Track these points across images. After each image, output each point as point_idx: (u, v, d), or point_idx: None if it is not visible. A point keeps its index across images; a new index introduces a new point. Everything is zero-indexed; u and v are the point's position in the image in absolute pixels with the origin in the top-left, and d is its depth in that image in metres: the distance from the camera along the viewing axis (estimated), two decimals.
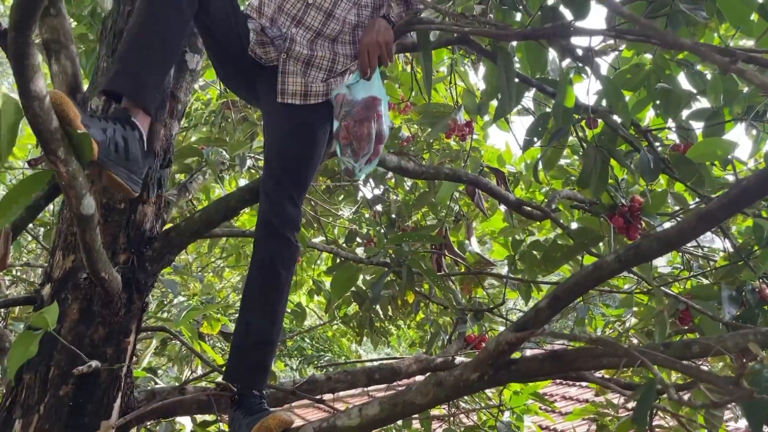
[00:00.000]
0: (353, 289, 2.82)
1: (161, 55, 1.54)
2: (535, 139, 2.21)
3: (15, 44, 1.03)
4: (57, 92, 1.25)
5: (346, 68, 1.91)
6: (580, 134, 2.19)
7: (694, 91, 2.16)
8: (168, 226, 2.05)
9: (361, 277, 3.06)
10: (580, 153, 2.50)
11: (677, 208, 2.52)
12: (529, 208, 2.56)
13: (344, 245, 4.80)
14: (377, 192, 4.38)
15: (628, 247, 1.33)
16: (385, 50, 1.83)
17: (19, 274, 4.32)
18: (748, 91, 2.00)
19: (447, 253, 2.54)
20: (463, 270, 2.70)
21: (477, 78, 3.26)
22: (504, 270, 2.75)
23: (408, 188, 4.34)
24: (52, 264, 1.88)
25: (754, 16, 1.88)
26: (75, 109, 1.29)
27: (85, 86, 2.05)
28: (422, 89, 3.69)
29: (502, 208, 3.54)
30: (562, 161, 3.09)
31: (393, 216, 4.51)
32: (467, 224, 2.59)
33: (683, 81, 2.26)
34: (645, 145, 2.33)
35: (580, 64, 1.95)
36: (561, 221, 2.61)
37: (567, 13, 1.72)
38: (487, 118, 3.02)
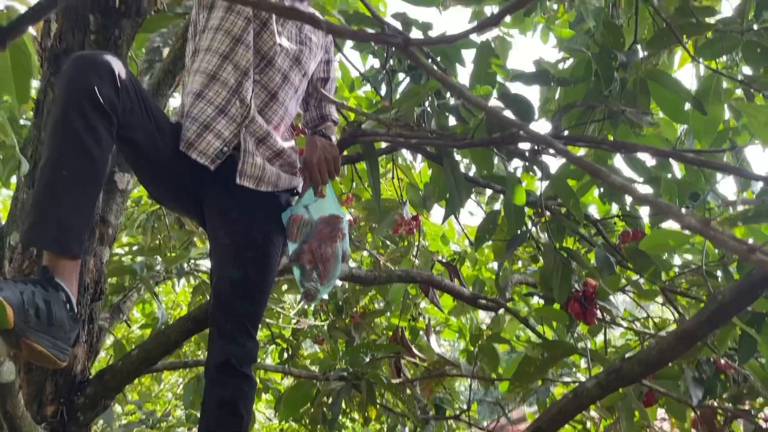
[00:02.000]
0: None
1: (84, 193, 1.34)
2: (487, 236, 2.18)
3: None
4: None
5: (291, 162, 1.79)
6: (532, 228, 2.16)
7: (638, 178, 2.20)
8: (102, 365, 1.85)
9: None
10: (532, 244, 2.48)
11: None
12: (484, 301, 2.50)
13: (291, 339, 4.60)
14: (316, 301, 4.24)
15: (608, 371, 1.26)
16: (333, 165, 1.76)
17: None
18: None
19: (405, 357, 2.44)
20: (422, 370, 2.59)
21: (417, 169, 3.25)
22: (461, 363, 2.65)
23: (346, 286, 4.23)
24: None
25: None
26: None
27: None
28: (363, 179, 3.67)
29: None
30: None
31: (340, 303, 4.37)
32: (426, 324, 2.50)
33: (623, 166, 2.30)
34: (593, 233, 2.33)
35: (527, 164, 1.94)
36: (516, 312, 2.56)
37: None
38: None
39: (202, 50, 1.70)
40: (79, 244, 1.34)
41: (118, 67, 1.41)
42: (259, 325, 1.75)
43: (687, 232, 1.90)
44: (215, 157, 1.63)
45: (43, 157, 1.36)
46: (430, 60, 2.67)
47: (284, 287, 4.53)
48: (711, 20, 2.11)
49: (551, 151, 1.86)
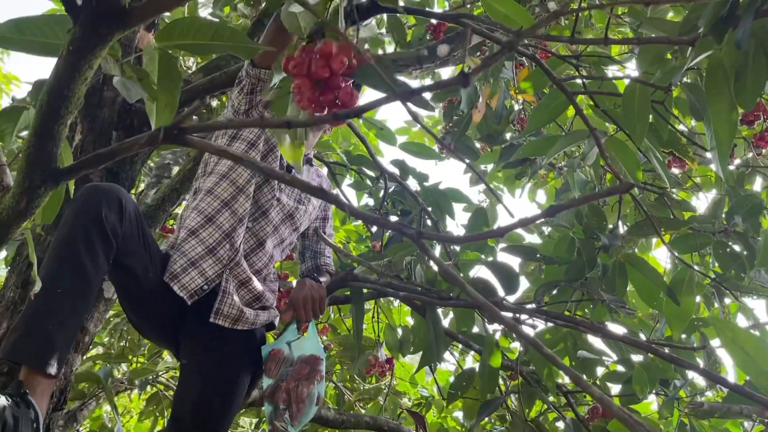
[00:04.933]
0: None
1: (73, 312, 1.37)
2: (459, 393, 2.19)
3: None
4: None
5: (269, 305, 1.85)
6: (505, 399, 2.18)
7: (610, 353, 2.26)
8: None
9: None
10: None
11: None
12: None
13: None
14: None
15: None
16: (318, 305, 1.81)
17: None
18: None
19: None
20: None
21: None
22: None
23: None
24: None
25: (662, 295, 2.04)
26: None
27: None
28: (342, 311, 3.69)
29: None
30: None
31: None
32: None
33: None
34: (563, 403, 2.34)
35: (507, 329, 2.00)
36: None
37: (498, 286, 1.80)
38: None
39: (204, 191, 1.82)
40: (59, 363, 1.34)
41: (126, 198, 1.52)
42: None
43: (656, 420, 1.93)
44: (194, 293, 1.69)
45: (42, 272, 1.40)
46: (421, 210, 2.81)
47: (242, 410, 4.39)
48: (686, 215, 2.28)
49: (531, 321, 1.93)
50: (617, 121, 2.12)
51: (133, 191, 2.31)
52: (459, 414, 4.66)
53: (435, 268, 2.06)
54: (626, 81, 1.67)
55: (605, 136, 1.97)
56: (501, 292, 1.78)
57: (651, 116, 1.85)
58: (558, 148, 2.04)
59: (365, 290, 1.95)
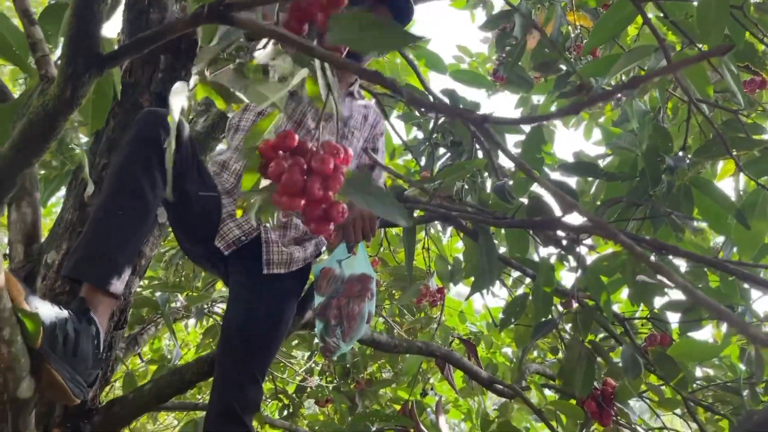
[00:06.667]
0: None
1: (133, 234, 1.39)
2: (513, 320, 2.15)
3: None
4: (6, 271, 1.09)
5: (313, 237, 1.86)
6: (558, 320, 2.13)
7: (668, 283, 2.17)
8: (112, 396, 1.83)
9: None
10: (553, 334, 2.44)
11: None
12: (500, 386, 2.44)
13: (294, 396, 4.51)
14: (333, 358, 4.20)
15: None
16: (369, 225, 1.78)
17: None
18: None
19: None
20: None
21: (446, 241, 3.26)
22: None
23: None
24: None
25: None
26: (19, 286, 1.13)
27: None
28: (391, 244, 3.68)
29: None
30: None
31: (348, 366, 4.29)
32: (437, 402, 2.45)
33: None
34: (619, 332, 2.29)
35: (564, 252, 1.94)
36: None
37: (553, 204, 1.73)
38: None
39: (234, 149, 1.84)
40: (121, 282, 1.36)
41: (182, 126, 1.55)
42: (265, 376, 1.76)
43: (718, 345, 1.86)
44: (232, 244, 1.71)
45: (102, 194, 1.43)
46: (473, 138, 2.73)
47: (294, 342, 4.49)
48: (759, 137, 2.13)
49: (587, 242, 1.86)
50: (687, 33, 1.97)
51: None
52: (508, 350, 4.67)
53: (487, 189, 2.00)
54: None
55: (673, 51, 1.84)
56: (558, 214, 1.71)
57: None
58: (621, 66, 1.92)
59: (417, 213, 1.91)
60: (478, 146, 2.75)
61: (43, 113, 0.77)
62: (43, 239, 1.91)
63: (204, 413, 1.76)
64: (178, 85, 0.79)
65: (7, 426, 1.34)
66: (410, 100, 0.77)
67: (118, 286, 1.33)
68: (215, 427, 1.57)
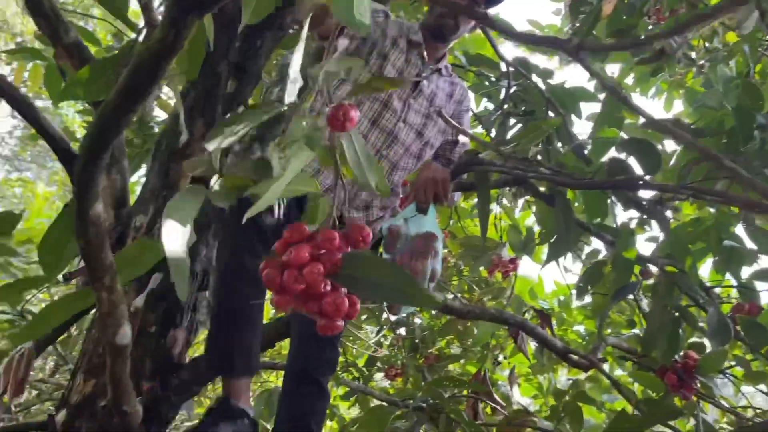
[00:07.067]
0: None
1: (260, 317, 1.59)
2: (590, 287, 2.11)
3: (84, 171, 0.96)
4: None
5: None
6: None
7: (756, 248, 2.07)
8: (196, 354, 1.92)
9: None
10: (634, 304, 2.38)
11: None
12: (575, 357, 2.40)
13: (364, 368, 4.58)
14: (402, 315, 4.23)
15: None
16: (442, 188, 1.77)
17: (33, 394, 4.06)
18: None
19: (486, 400, 2.37)
20: (502, 419, 2.51)
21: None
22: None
23: (434, 313, 4.19)
24: (72, 387, 1.75)
25: None
26: None
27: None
28: (460, 218, 3.66)
29: (532, 344, 3.38)
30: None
31: (416, 341, 4.32)
32: (510, 372, 2.44)
33: (742, 234, 2.17)
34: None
35: (645, 216, 1.88)
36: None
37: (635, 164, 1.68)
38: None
39: None
40: (259, 361, 1.57)
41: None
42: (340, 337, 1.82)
43: None
44: None
45: (219, 290, 1.62)
46: (547, 104, 2.66)
47: (364, 316, 4.55)
48: None
49: (673, 204, 1.79)
50: None
51: (257, 89, 2.36)
52: (580, 327, 4.58)
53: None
54: None
55: None
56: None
57: None
58: (708, 19, 1.83)
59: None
60: (552, 113, 2.69)
61: (148, 57, 0.81)
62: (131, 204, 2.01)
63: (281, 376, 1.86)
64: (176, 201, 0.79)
65: (105, 370, 1.43)
66: (501, 30, 0.76)
67: (258, 367, 1.64)
68: (291, 386, 1.62)
